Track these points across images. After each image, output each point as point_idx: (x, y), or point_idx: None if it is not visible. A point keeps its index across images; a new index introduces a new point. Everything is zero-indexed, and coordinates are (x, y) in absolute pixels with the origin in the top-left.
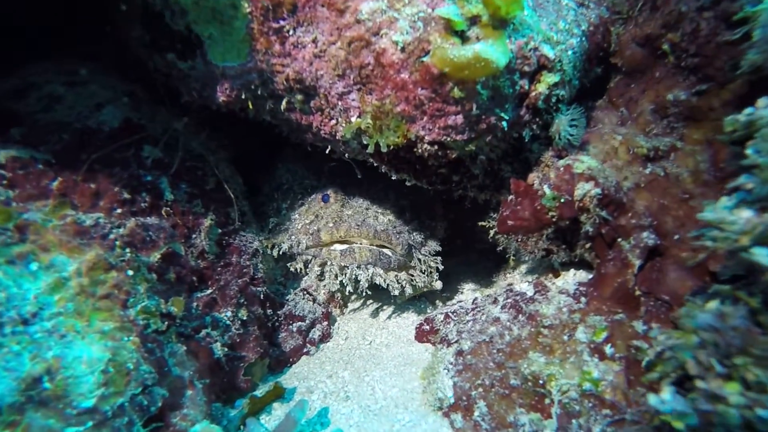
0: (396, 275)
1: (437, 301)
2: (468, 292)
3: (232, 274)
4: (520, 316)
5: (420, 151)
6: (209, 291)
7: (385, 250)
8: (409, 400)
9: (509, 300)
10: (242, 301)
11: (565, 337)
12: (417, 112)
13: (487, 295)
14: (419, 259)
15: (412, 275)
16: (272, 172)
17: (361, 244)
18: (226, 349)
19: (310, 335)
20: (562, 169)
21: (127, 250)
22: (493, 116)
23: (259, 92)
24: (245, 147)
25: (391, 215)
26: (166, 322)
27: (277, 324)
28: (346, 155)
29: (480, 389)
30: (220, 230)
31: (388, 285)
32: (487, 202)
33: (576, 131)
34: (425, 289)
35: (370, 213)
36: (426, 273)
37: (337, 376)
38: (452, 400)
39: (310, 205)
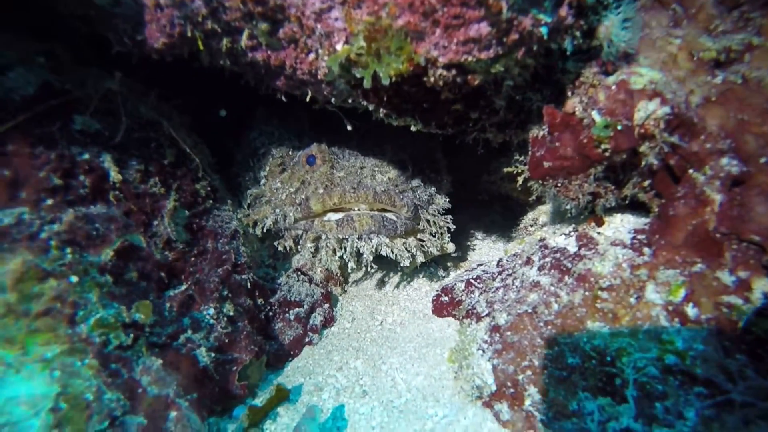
0: (404, 242)
1: (449, 264)
2: (482, 250)
3: (210, 263)
4: (567, 277)
5: (432, 79)
6: (183, 287)
7: (388, 215)
8: (439, 389)
9: (547, 259)
10: (226, 293)
11: (632, 300)
12: (426, 24)
13: (514, 255)
14: (428, 221)
15: (422, 240)
16: (244, 136)
17: (359, 210)
18: (213, 354)
19: (311, 322)
20: (614, 87)
21: (68, 250)
22: (528, 20)
23: (208, 25)
24: (207, 109)
25: (391, 172)
26: (132, 334)
27: (270, 314)
28: (333, 100)
29: (528, 372)
30: (187, 212)
31: (396, 255)
32: (503, 143)
33: (630, 35)
34: (437, 254)
35: (365, 172)
36: (436, 235)
37: (348, 367)
38: (494, 387)
39: (293, 171)
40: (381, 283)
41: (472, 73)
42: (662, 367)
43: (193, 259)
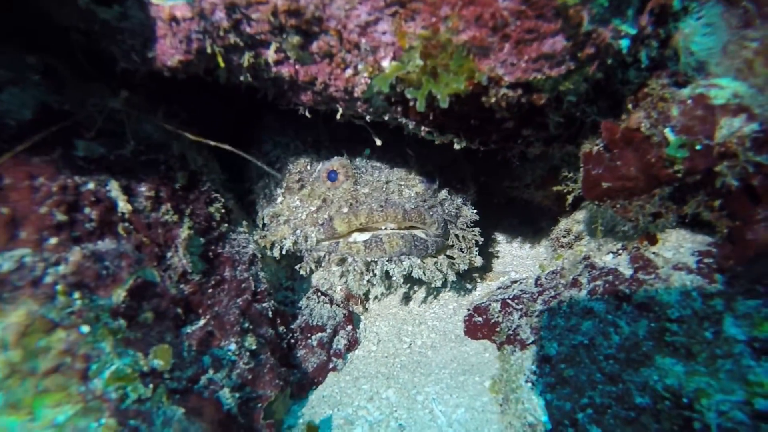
0: (435, 262)
1: (475, 275)
2: (506, 258)
3: (229, 294)
4: (625, 305)
5: (493, 99)
6: (202, 322)
7: (417, 232)
8: (484, 424)
9: (598, 282)
10: (247, 325)
11: (708, 334)
12: (494, 39)
13: (553, 273)
14: (456, 235)
15: (452, 257)
16: (255, 148)
17: (387, 229)
18: (236, 394)
19: (334, 346)
20: (691, 101)
21: (76, 295)
22: (608, 31)
23: (230, 40)
24: (211, 119)
25: (418, 186)
26: (151, 383)
27: (292, 341)
28: (367, 118)
29: (590, 410)
30: (202, 239)
31: (428, 277)
32: (540, 154)
33: (713, 42)
34: (465, 269)
35: (391, 187)
36: (465, 250)
37: (379, 397)
38: (549, 426)
39: (313, 187)
40: (404, 299)
41: (539, 92)
42: (752, 412)
43: (210, 290)
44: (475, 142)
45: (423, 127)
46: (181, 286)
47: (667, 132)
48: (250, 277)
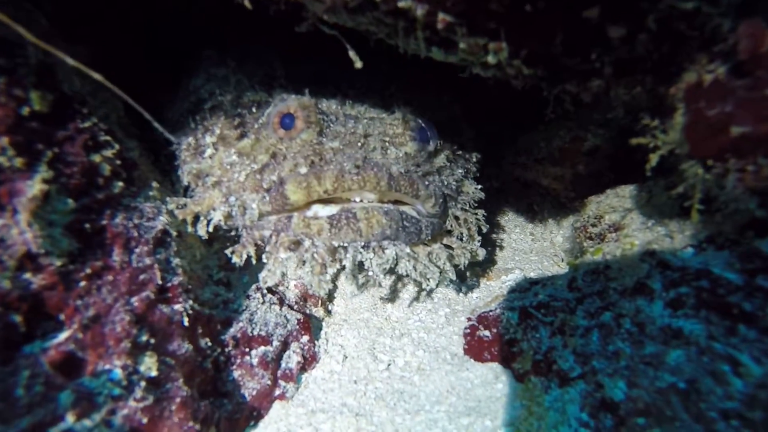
0: (429, 252)
1: (471, 272)
2: (505, 253)
3: (115, 290)
4: (744, 328)
5: None
6: (63, 335)
7: (406, 209)
8: None
9: (685, 290)
10: (145, 339)
11: None
12: None
13: (594, 273)
14: (456, 217)
15: (450, 247)
16: (182, 82)
17: (363, 201)
18: None
19: (283, 365)
20: None
21: None
22: None
23: None
24: (117, 40)
25: (408, 145)
26: None
27: (222, 359)
28: (351, 4)
29: None
30: (72, 202)
31: (420, 273)
32: (587, 104)
33: None
34: (465, 263)
35: (371, 143)
36: (467, 238)
37: None
38: None
39: (258, 136)
40: (380, 301)
41: None
42: None
43: (83, 284)
44: (521, 54)
45: (443, 16)
46: (25, 276)
47: None
48: (156, 265)
